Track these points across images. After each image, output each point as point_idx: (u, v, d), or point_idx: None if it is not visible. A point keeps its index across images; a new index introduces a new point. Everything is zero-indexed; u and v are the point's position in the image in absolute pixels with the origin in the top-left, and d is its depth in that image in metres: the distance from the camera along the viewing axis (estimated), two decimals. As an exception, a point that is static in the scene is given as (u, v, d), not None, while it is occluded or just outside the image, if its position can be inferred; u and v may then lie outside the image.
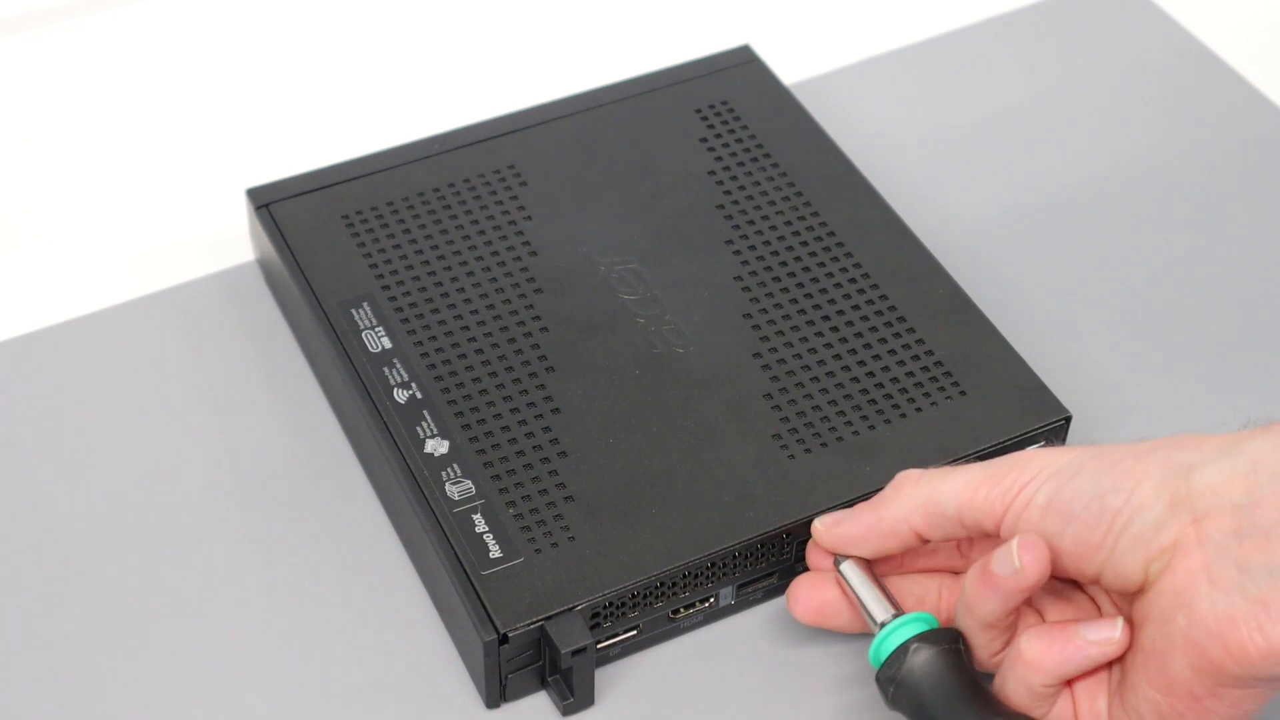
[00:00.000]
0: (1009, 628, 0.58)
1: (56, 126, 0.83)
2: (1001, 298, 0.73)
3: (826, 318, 0.69)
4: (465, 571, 0.61)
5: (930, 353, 0.67)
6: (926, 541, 0.59)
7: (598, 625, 0.61)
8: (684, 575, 0.62)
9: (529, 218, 0.72)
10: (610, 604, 0.61)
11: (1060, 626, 0.57)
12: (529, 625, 0.59)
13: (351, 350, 0.67)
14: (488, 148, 0.75)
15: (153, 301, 0.74)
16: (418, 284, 0.70)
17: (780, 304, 0.69)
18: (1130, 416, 0.70)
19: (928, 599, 0.61)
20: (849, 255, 0.71)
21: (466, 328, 0.68)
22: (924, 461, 0.64)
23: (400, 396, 0.66)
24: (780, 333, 0.68)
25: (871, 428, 0.65)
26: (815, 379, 0.67)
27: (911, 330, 0.68)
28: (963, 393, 0.66)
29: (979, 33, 0.87)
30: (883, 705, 0.61)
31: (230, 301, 0.74)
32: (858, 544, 0.60)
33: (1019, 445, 0.65)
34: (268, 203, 0.73)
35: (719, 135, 0.76)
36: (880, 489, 0.63)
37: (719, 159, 0.75)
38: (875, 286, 0.70)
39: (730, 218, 0.72)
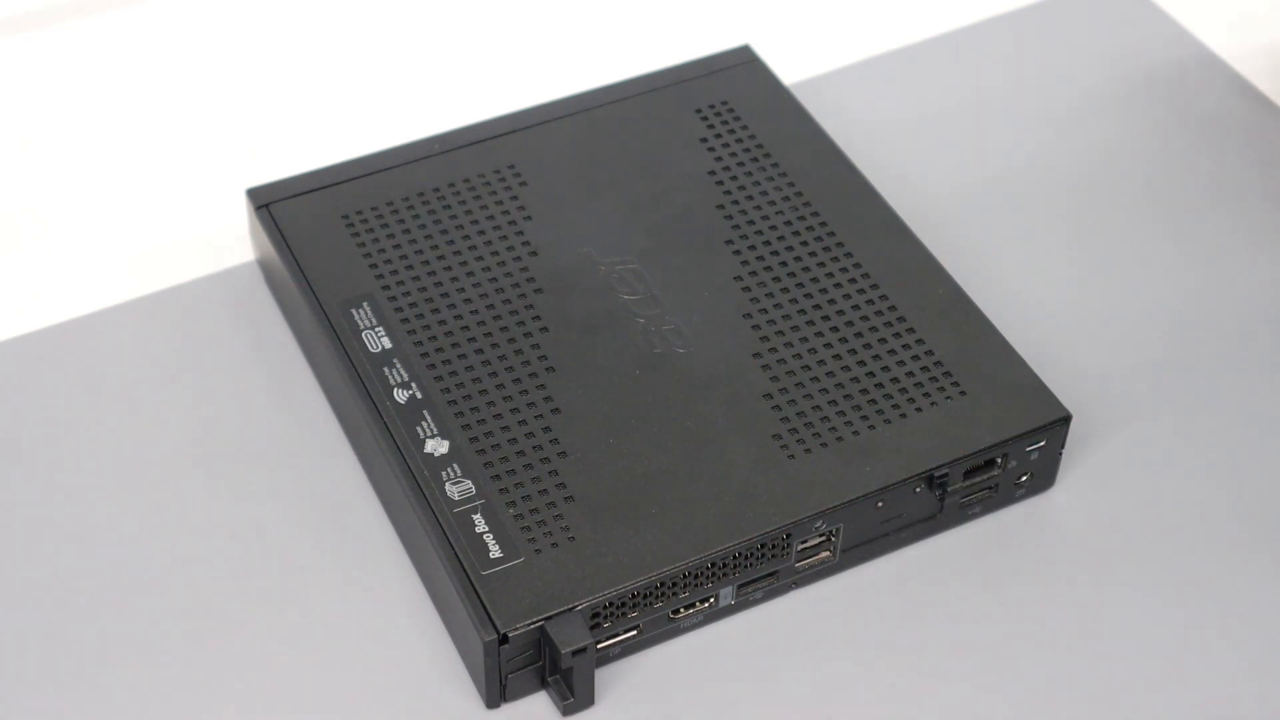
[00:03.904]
0: None
1: (56, 126, 0.83)
2: (1001, 298, 0.73)
3: (826, 318, 0.69)
4: (465, 571, 0.61)
5: (930, 353, 0.67)
6: None
7: (598, 625, 0.61)
8: (684, 575, 0.62)
9: (529, 218, 0.72)
10: (610, 604, 0.61)
11: None
12: (529, 625, 0.59)
13: (351, 350, 0.67)
14: (488, 148, 0.75)
15: (153, 301, 0.74)
16: (418, 284, 0.70)
17: (780, 304, 0.69)
18: (1130, 416, 0.70)
19: None
20: (849, 255, 0.71)
21: (466, 328, 0.68)
22: (923, 461, 0.64)
23: (400, 396, 0.66)
24: (780, 333, 0.68)
25: (871, 428, 0.65)
26: (815, 379, 0.67)
27: (911, 330, 0.68)
28: (963, 393, 0.66)
29: (979, 33, 0.87)
30: (884, 705, 0.61)
31: (230, 302, 0.74)
32: None
33: (1019, 445, 0.65)
34: (268, 203, 0.73)
35: (719, 135, 0.76)
36: (880, 489, 0.63)
37: (719, 159, 0.75)
38: (875, 286, 0.70)
39: (730, 218, 0.72)
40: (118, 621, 0.64)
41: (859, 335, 0.68)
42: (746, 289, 0.70)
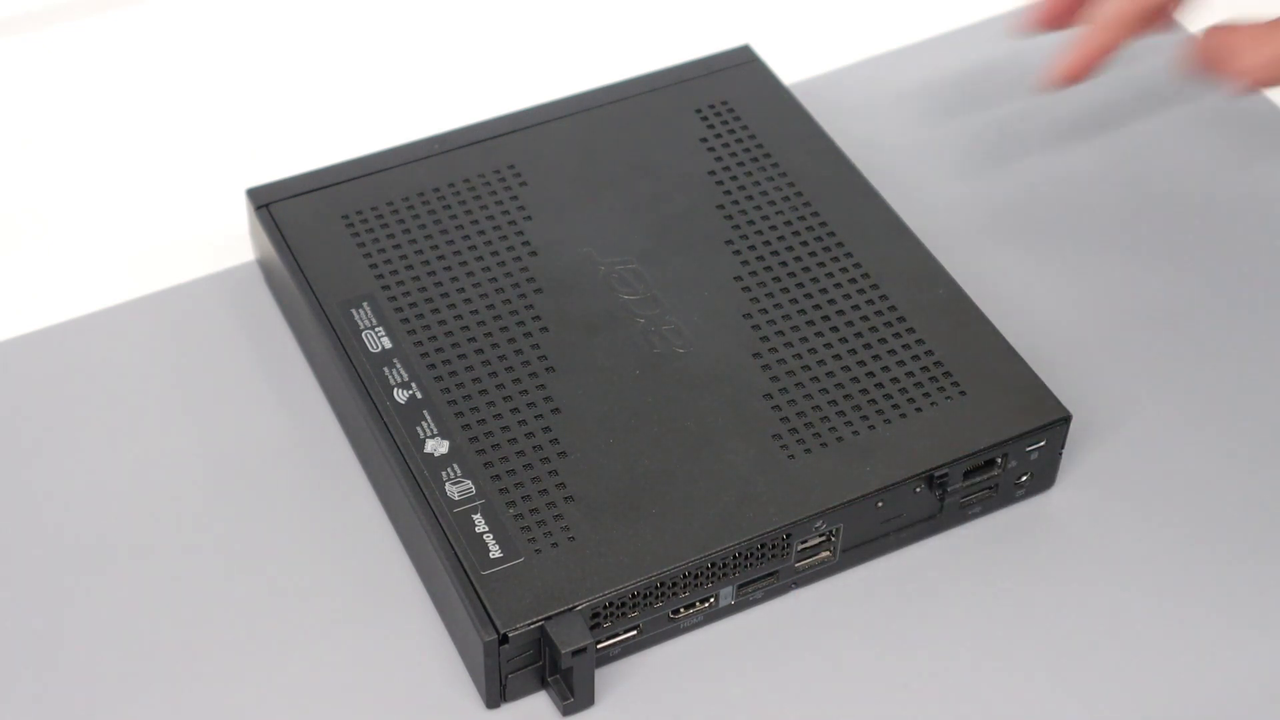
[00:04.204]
0: None
1: (56, 126, 0.83)
2: (1001, 298, 0.73)
3: (826, 318, 0.69)
4: (465, 571, 0.61)
5: (930, 353, 0.67)
6: None
7: (598, 625, 0.61)
8: (684, 575, 0.62)
9: (529, 218, 0.72)
10: (610, 604, 0.61)
11: None
12: (529, 625, 0.59)
13: (351, 350, 0.67)
14: (488, 148, 0.75)
15: (153, 301, 0.74)
16: (418, 284, 0.70)
17: (780, 304, 0.69)
18: (1130, 416, 0.70)
19: None
20: (849, 255, 0.71)
21: (466, 328, 0.68)
22: (923, 461, 0.64)
23: (400, 396, 0.66)
24: (780, 333, 0.68)
25: (871, 428, 0.65)
26: (815, 379, 0.67)
27: (911, 330, 0.68)
28: (963, 393, 0.66)
29: (979, 33, 0.87)
30: (885, 705, 0.61)
31: (230, 301, 0.74)
32: None
33: (1019, 445, 0.65)
34: (268, 203, 0.73)
35: (719, 135, 0.76)
36: (879, 489, 0.63)
37: (719, 159, 0.75)
38: (875, 286, 0.70)
39: (730, 218, 0.72)
40: (117, 620, 0.64)
41: (859, 335, 0.68)
42: (746, 289, 0.70)
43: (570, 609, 0.60)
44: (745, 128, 0.76)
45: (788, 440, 0.65)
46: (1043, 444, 0.66)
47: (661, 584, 0.61)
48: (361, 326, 0.68)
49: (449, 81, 0.86)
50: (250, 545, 0.66)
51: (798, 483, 0.63)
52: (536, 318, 0.69)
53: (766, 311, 0.69)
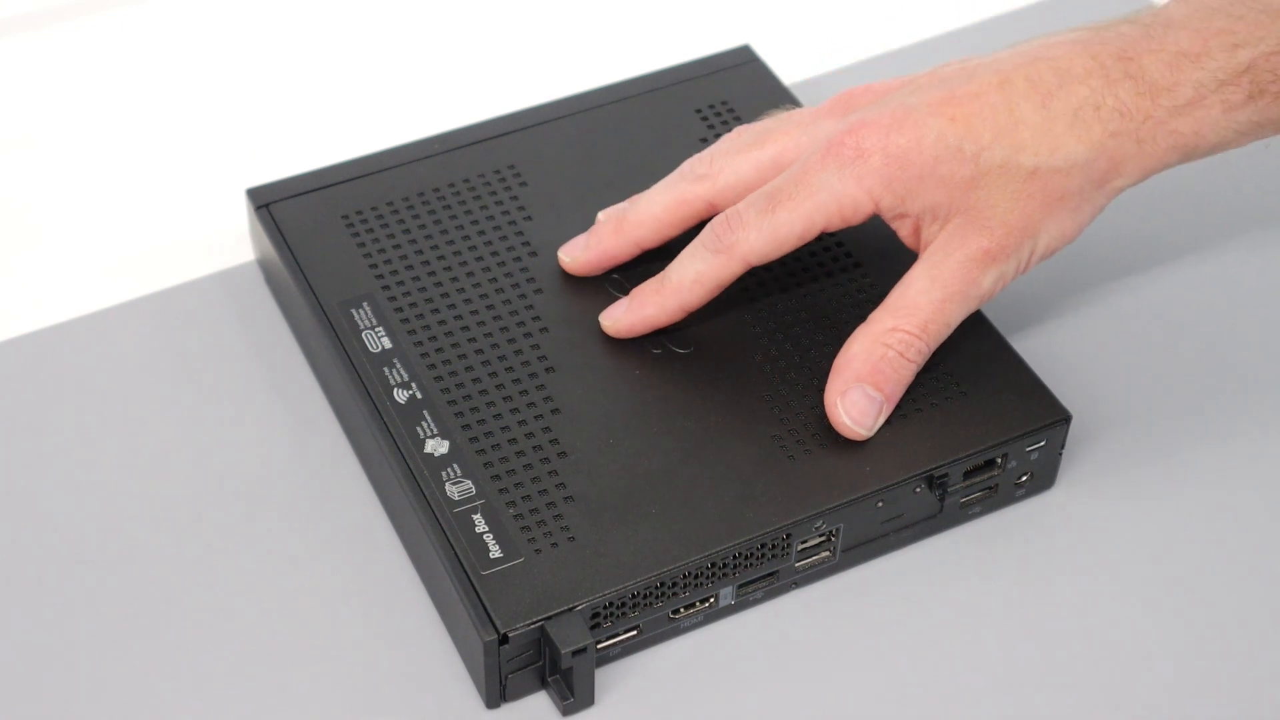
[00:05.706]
0: None
1: (56, 126, 0.83)
2: (1001, 298, 0.73)
3: (826, 317, 0.69)
4: (465, 571, 0.61)
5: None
6: None
7: (598, 625, 0.61)
8: (684, 575, 0.62)
9: (529, 218, 0.72)
10: (610, 604, 0.61)
11: None
12: (529, 625, 0.59)
13: (351, 350, 0.67)
14: (488, 148, 0.75)
15: (153, 301, 0.74)
16: (418, 284, 0.70)
17: (780, 304, 0.69)
18: (1130, 416, 0.70)
19: None
20: (848, 255, 0.71)
21: (466, 328, 0.68)
22: (923, 461, 0.64)
23: (400, 396, 0.66)
24: (780, 332, 0.68)
25: (871, 428, 0.65)
26: (815, 379, 0.67)
27: (911, 330, 0.68)
28: (963, 393, 0.66)
29: (979, 33, 0.87)
30: (885, 705, 0.61)
31: (230, 302, 0.74)
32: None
33: (1019, 445, 0.65)
34: (268, 203, 0.73)
35: (719, 135, 0.76)
36: (880, 489, 0.63)
37: (719, 159, 0.75)
38: (875, 286, 0.70)
39: (730, 218, 0.72)
40: (115, 620, 0.64)
41: (859, 335, 0.68)
42: (746, 289, 0.70)
43: (570, 609, 0.60)
44: (745, 128, 0.76)
45: (787, 440, 0.65)
46: (1043, 444, 0.66)
47: (661, 584, 0.61)
48: (361, 326, 0.68)
49: (449, 81, 0.86)
50: (250, 545, 0.66)
51: (798, 483, 0.63)
52: (536, 318, 0.69)
53: (766, 311, 0.69)
